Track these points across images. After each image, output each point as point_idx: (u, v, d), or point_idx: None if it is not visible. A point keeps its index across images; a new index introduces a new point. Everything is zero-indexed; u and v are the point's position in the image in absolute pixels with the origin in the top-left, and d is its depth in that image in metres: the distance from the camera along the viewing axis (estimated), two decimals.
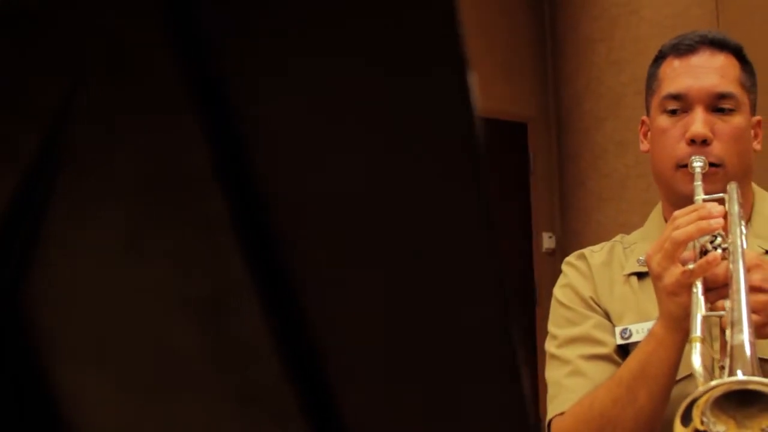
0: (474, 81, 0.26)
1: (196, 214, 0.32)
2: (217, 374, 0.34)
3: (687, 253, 1.13)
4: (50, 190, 0.34)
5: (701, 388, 0.94)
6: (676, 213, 1.16)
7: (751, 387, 0.93)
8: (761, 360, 1.22)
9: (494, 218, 0.27)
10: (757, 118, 1.38)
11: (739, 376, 0.93)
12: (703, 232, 1.12)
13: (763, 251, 1.30)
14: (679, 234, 1.11)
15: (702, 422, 0.94)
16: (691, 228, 1.11)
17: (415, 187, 0.29)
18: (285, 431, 0.34)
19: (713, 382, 0.95)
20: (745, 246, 1.21)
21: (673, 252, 1.11)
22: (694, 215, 1.13)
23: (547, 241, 5.21)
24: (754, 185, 1.40)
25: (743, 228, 1.22)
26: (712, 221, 1.12)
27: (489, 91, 5.26)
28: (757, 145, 1.37)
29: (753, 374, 0.93)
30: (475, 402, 0.31)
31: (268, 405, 0.34)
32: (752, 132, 1.36)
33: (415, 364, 0.32)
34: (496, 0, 5.38)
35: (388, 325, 0.31)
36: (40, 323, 0.36)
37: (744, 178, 1.33)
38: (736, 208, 1.20)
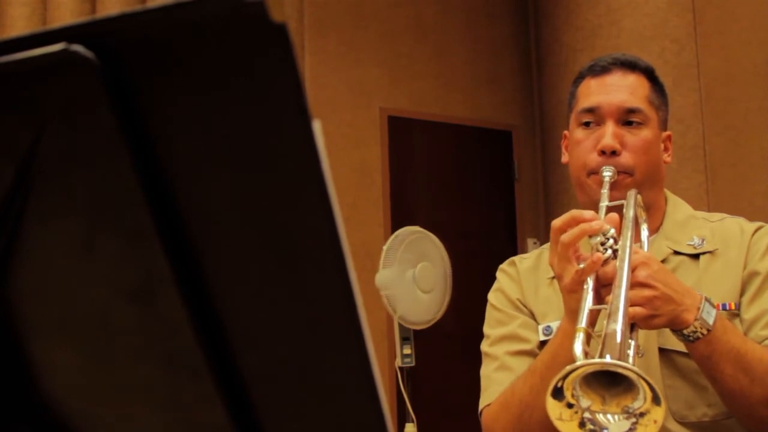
0: (318, 127, 0.38)
1: (131, 224, 0.44)
2: (148, 344, 0.46)
3: (585, 255, 1.25)
4: (24, 207, 0.46)
5: (567, 368, 1.06)
6: (554, 222, 1.28)
7: (611, 369, 1.05)
8: (663, 350, 1.34)
9: (335, 211, 0.40)
10: (668, 133, 1.51)
11: (605, 359, 1.05)
12: (584, 233, 1.24)
13: (671, 251, 1.43)
14: (565, 237, 1.24)
15: (573, 396, 1.06)
16: (575, 230, 1.24)
17: (276, 197, 0.41)
18: (199, 387, 0.45)
19: (578, 362, 1.07)
20: (646, 248, 1.35)
21: (565, 254, 1.24)
22: (574, 222, 1.26)
23: (532, 247, 5.30)
24: (668, 192, 1.52)
25: (645, 229, 1.35)
26: (593, 223, 1.24)
27: (475, 100, 5.39)
28: (667, 158, 1.50)
29: (618, 359, 1.04)
30: (324, 361, 0.43)
31: (186, 367, 0.45)
32: (662, 146, 1.49)
33: (286, 331, 0.43)
34: (482, 11, 5.49)
35: (268, 299, 0.43)
36: (18, 306, 0.48)
37: (654, 187, 1.46)
38: (631, 213, 1.32)
